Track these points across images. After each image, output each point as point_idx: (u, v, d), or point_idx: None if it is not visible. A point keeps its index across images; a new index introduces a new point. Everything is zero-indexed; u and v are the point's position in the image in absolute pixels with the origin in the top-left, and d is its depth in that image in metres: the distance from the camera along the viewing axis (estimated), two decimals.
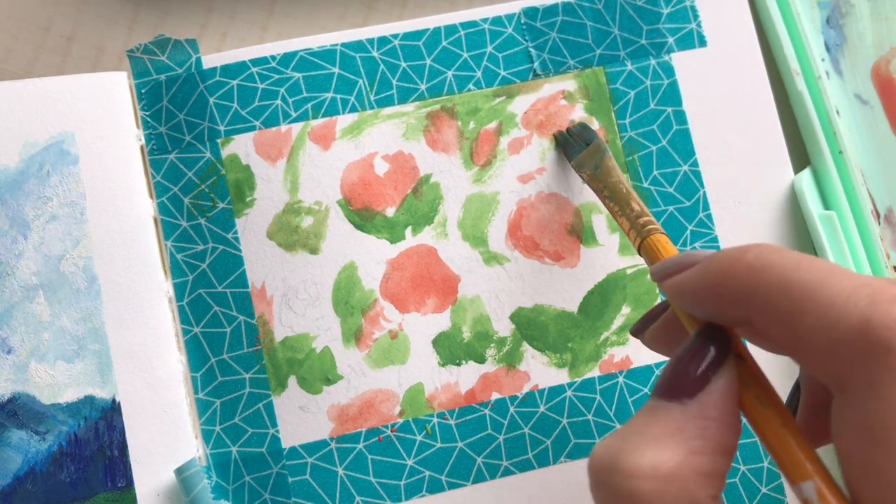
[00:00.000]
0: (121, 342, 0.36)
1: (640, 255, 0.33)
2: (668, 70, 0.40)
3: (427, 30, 0.39)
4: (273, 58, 0.38)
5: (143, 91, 0.38)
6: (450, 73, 0.39)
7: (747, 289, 0.23)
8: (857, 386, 0.21)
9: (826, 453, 0.26)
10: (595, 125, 0.39)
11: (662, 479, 0.22)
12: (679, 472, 0.22)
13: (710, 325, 0.25)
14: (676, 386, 0.24)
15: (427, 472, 0.37)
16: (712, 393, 0.24)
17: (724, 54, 0.40)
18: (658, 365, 0.38)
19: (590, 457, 0.24)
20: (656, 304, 0.38)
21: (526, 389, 0.37)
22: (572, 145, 0.38)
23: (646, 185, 0.39)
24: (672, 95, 0.40)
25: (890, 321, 0.21)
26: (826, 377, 0.22)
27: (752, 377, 0.25)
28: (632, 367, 0.38)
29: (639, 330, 0.31)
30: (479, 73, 0.39)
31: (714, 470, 0.23)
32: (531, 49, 0.39)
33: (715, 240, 0.39)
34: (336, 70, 0.39)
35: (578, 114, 0.39)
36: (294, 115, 0.38)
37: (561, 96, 0.39)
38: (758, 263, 0.23)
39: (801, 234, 0.39)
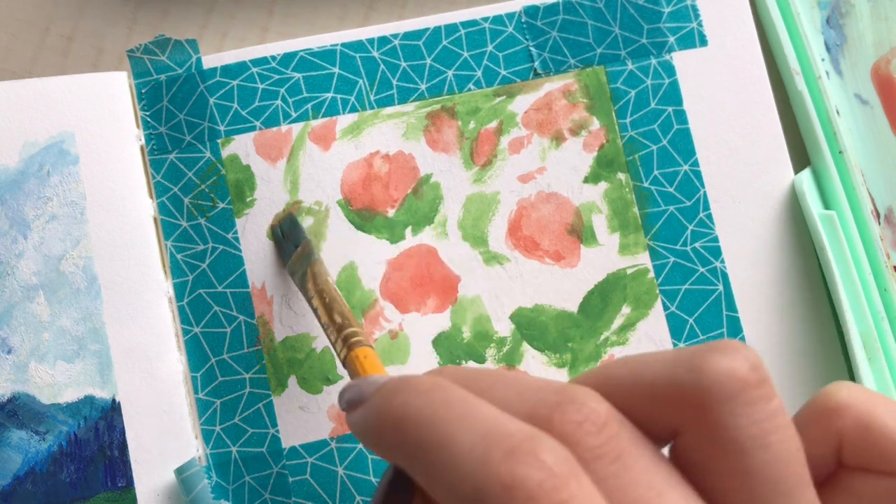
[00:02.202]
0: (121, 342, 0.36)
1: (345, 368, 0.32)
2: (669, 69, 0.40)
3: (427, 29, 0.39)
4: (273, 58, 0.38)
5: (143, 91, 0.38)
6: (450, 73, 0.39)
7: (395, 447, 0.22)
8: None
9: None
10: (595, 125, 0.39)
11: None
12: None
13: (394, 469, 0.23)
14: None
15: None
16: None
17: (724, 54, 0.40)
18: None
19: None
20: None
21: None
22: (284, 247, 0.36)
23: (646, 184, 0.39)
24: (673, 95, 0.39)
25: (498, 486, 0.19)
26: None
27: None
28: None
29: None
30: (479, 73, 0.39)
31: None
32: (532, 48, 0.39)
33: (715, 239, 0.39)
34: (336, 70, 0.39)
35: (579, 113, 0.39)
36: (294, 115, 0.38)
37: (562, 95, 0.39)
38: (402, 414, 0.21)
39: (802, 234, 0.39)
